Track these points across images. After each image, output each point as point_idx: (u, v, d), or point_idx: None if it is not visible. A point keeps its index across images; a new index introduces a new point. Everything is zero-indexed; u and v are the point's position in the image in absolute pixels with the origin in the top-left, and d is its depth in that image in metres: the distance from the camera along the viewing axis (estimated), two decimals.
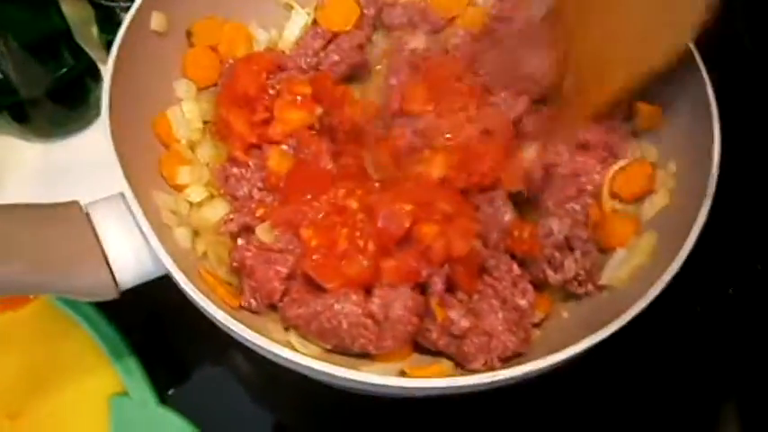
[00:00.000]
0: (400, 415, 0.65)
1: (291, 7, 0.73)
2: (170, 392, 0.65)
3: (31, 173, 0.77)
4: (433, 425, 0.66)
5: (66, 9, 0.75)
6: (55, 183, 0.76)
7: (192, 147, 0.64)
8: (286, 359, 0.49)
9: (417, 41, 0.69)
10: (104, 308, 0.65)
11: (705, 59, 0.61)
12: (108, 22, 0.78)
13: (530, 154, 0.61)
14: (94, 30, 0.80)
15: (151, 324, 0.69)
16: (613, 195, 0.63)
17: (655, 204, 0.61)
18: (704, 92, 0.60)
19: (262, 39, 0.71)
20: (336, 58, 0.69)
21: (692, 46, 0.61)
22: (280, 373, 0.51)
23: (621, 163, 0.63)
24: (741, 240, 0.76)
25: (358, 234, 0.55)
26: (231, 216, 0.59)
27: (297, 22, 0.72)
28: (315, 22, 0.71)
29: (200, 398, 0.66)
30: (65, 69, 0.75)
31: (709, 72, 0.61)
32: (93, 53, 0.79)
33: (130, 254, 0.52)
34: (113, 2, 0.76)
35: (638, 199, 0.62)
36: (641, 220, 0.61)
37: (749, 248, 0.75)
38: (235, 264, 0.57)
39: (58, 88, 0.75)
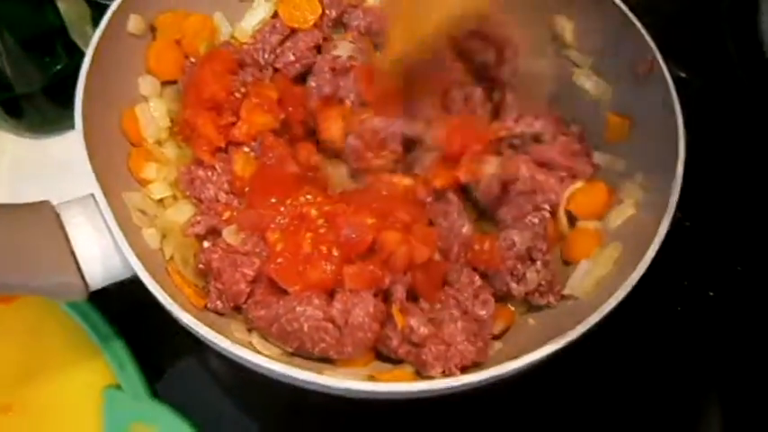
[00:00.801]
0: (382, 414, 0.65)
1: None
2: (156, 386, 0.66)
3: (22, 168, 0.79)
4: (413, 424, 0.66)
5: (62, 6, 0.76)
6: (43, 179, 0.77)
7: (159, 145, 0.65)
8: (247, 360, 0.51)
9: (342, 50, 0.69)
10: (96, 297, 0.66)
11: (685, 63, 0.61)
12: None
13: (489, 168, 0.61)
14: (89, 28, 0.81)
15: (131, 318, 0.70)
16: (572, 214, 0.63)
17: (621, 214, 0.61)
18: (671, 103, 0.59)
19: (225, 30, 0.71)
20: (292, 57, 0.69)
21: (659, 58, 0.61)
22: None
23: (578, 184, 0.64)
24: (722, 243, 0.76)
25: (322, 240, 0.56)
26: (198, 218, 0.60)
27: (257, 14, 0.72)
28: (275, 14, 0.71)
29: (186, 391, 0.67)
30: (59, 66, 0.76)
31: (689, 76, 0.61)
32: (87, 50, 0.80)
33: (99, 255, 0.53)
34: (108, 0, 0.77)
35: (597, 217, 0.63)
36: (607, 231, 0.62)
37: (729, 251, 0.76)
38: (201, 266, 0.58)
39: (53, 84, 0.76)
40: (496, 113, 0.67)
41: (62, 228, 0.53)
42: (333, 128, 0.65)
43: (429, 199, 0.63)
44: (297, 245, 0.56)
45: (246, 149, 0.63)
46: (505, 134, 0.65)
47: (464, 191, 0.64)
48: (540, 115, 0.66)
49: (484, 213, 0.64)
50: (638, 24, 0.64)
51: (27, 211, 0.53)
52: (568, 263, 0.61)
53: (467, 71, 0.68)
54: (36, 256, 0.51)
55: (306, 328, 0.54)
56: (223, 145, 0.63)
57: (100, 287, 0.55)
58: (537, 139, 0.66)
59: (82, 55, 0.78)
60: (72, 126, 0.80)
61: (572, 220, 0.64)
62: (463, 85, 0.68)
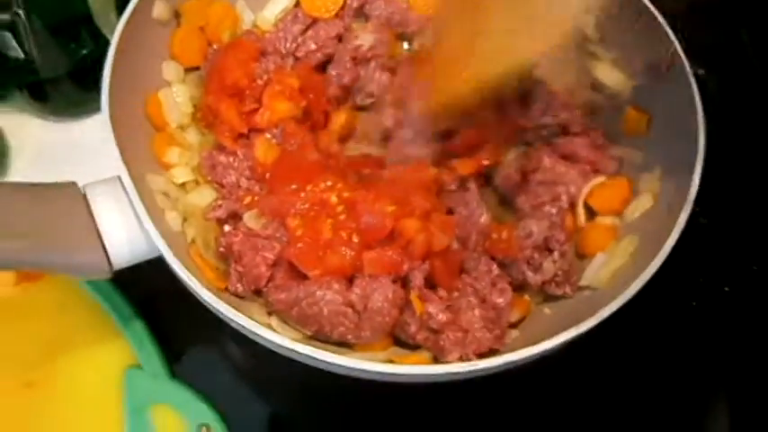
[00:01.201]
0: (396, 401, 0.66)
1: None
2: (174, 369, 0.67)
3: (46, 150, 0.80)
4: (427, 412, 0.67)
5: None
6: (67, 161, 0.78)
7: (182, 130, 0.66)
8: (267, 340, 0.51)
9: (363, 40, 0.69)
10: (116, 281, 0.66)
11: (704, 61, 0.61)
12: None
13: (511, 155, 0.62)
14: (113, 15, 0.82)
15: (150, 303, 0.70)
16: (590, 209, 0.63)
17: (639, 207, 0.62)
18: (692, 97, 0.60)
19: (247, 19, 0.72)
20: (313, 46, 0.70)
21: (681, 54, 0.61)
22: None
23: (600, 179, 0.64)
24: (737, 241, 0.76)
25: (342, 225, 0.56)
26: (219, 203, 0.61)
27: (279, 3, 0.72)
28: (297, 3, 0.72)
29: (204, 375, 0.67)
30: (84, 52, 0.77)
31: (707, 75, 0.61)
32: (111, 37, 0.81)
33: (125, 235, 0.54)
34: None
35: (617, 212, 0.63)
36: (624, 223, 0.62)
37: (745, 249, 0.76)
38: (222, 249, 0.59)
39: (77, 70, 0.78)
40: (524, 104, 0.67)
41: (88, 208, 0.54)
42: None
43: (453, 186, 0.63)
44: (317, 230, 0.56)
45: (268, 136, 0.64)
46: (532, 125, 0.65)
47: (486, 180, 0.65)
48: (567, 107, 0.66)
49: (504, 202, 0.65)
50: (661, 18, 0.64)
51: (55, 190, 0.54)
52: (583, 256, 0.61)
53: None
54: (63, 234, 0.52)
55: (325, 312, 0.55)
56: (245, 131, 0.64)
57: (124, 266, 0.56)
58: (565, 131, 0.66)
59: (106, 41, 0.79)
60: (95, 109, 0.82)
61: (590, 213, 0.64)
62: None
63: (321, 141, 0.66)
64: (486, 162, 0.63)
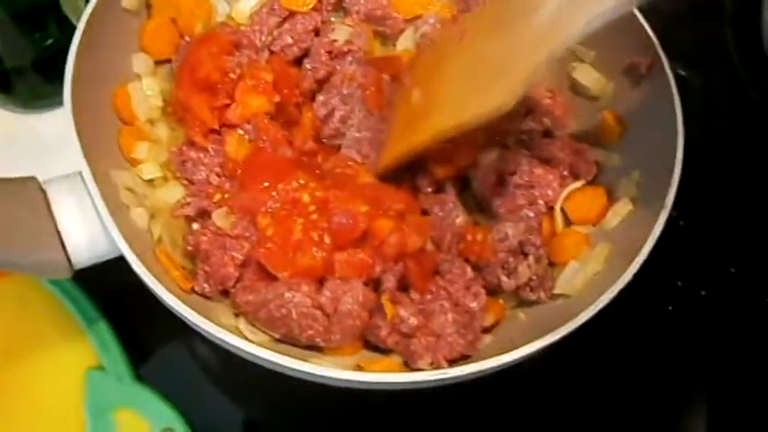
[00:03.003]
0: (370, 404, 0.65)
1: None
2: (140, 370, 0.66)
3: (9, 143, 0.78)
4: (403, 415, 0.66)
5: None
6: (29, 155, 0.76)
7: (151, 124, 0.64)
8: (233, 345, 0.50)
9: (340, 34, 0.68)
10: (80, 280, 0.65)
11: (686, 60, 0.61)
12: None
13: (489, 157, 0.61)
14: (81, 2, 0.80)
15: (116, 301, 0.69)
16: (566, 217, 0.63)
17: (616, 215, 0.61)
18: (671, 100, 0.59)
19: (222, 11, 0.70)
20: (289, 40, 0.68)
21: (662, 55, 0.61)
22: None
23: (578, 184, 0.63)
24: (716, 243, 0.76)
25: (313, 226, 0.55)
26: (188, 200, 0.59)
27: None
28: None
29: (170, 375, 0.66)
30: (50, 41, 0.75)
31: (690, 74, 0.60)
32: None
33: (86, 234, 0.53)
34: None
35: (592, 222, 0.62)
36: (599, 229, 0.61)
37: (723, 251, 0.76)
38: (190, 247, 0.58)
39: (43, 59, 0.75)
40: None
41: (48, 205, 0.52)
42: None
43: (429, 189, 0.62)
44: (288, 230, 0.55)
45: (240, 132, 0.62)
46: (513, 129, 0.64)
47: (463, 183, 0.64)
48: (550, 112, 0.65)
49: (481, 207, 0.64)
50: (642, 20, 0.63)
51: (13, 186, 0.52)
52: (555, 264, 0.61)
53: None
54: (20, 232, 0.51)
55: (294, 315, 0.54)
56: (217, 127, 0.63)
57: (85, 266, 0.54)
58: (546, 134, 0.66)
59: (73, 30, 0.78)
60: (61, 102, 0.80)
61: (566, 221, 0.64)
62: None
63: (296, 138, 0.64)
64: (462, 164, 0.62)
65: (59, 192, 0.53)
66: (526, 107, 0.65)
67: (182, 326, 0.58)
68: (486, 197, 0.63)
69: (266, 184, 0.57)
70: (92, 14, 0.59)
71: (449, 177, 0.62)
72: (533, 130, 0.65)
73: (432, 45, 0.64)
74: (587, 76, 0.68)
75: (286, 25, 0.69)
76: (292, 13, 0.69)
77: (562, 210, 0.63)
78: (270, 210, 0.57)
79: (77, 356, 0.64)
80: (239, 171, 0.60)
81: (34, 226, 0.51)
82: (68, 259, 0.52)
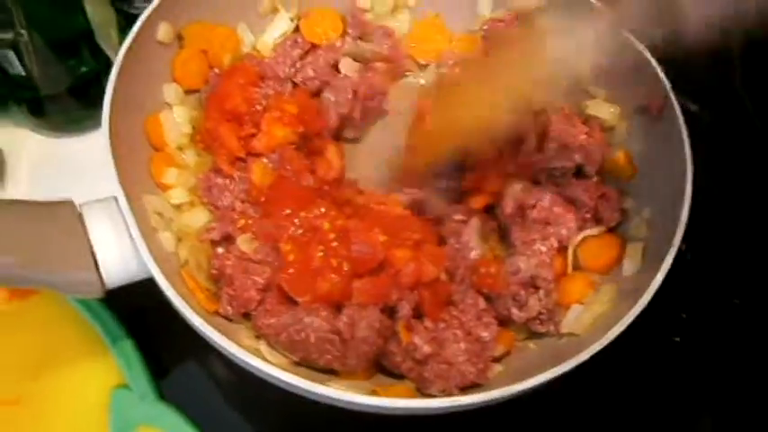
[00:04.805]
0: (383, 426, 0.65)
1: (277, 10, 0.74)
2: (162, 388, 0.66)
3: (43, 166, 0.80)
4: None
5: (90, 10, 0.77)
6: (62, 177, 0.79)
7: (180, 151, 0.66)
8: (253, 366, 0.52)
9: (346, 68, 0.71)
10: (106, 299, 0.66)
11: (697, 100, 0.62)
12: (128, 27, 0.81)
13: (513, 189, 0.63)
14: (114, 32, 0.83)
15: (140, 320, 0.70)
16: (576, 263, 0.64)
17: (632, 259, 0.61)
18: (681, 142, 0.61)
19: (248, 41, 0.73)
20: (311, 73, 0.71)
21: (672, 96, 0.62)
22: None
23: (596, 230, 0.64)
24: (721, 275, 0.76)
25: (333, 253, 0.57)
26: (213, 225, 0.61)
27: (279, 27, 0.73)
28: (297, 29, 0.73)
29: (191, 395, 0.67)
30: (84, 69, 0.78)
31: (703, 113, 0.62)
32: (112, 55, 0.81)
33: (118, 255, 0.55)
34: (134, 8, 0.79)
35: (601, 271, 0.63)
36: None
37: (728, 284, 0.76)
38: (214, 271, 0.60)
39: (77, 86, 0.78)
40: (540, 143, 0.67)
41: (84, 227, 0.54)
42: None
43: (458, 217, 0.64)
44: (309, 256, 0.57)
45: (265, 161, 0.64)
46: (543, 165, 0.66)
47: (489, 211, 0.66)
48: (583, 150, 0.66)
49: (505, 237, 0.65)
50: (654, 63, 0.65)
51: (51, 208, 0.54)
52: (560, 305, 0.62)
53: None
54: (57, 252, 0.53)
55: (312, 339, 0.55)
56: (243, 155, 0.65)
57: (116, 286, 0.56)
58: (581, 174, 0.67)
59: (106, 58, 0.81)
60: (94, 126, 0.83)
61: (576, 265, 0.64)
62: None
63: (319, 168, 0.67)
64: (492, 192, 0.64)
65: (95, 215, 0.55)
66: (559, 142, 0.66)
67: (201, 345, 0.60)
68: (507, 227, 0.64)
69: (289, 211, 0.59)
70: (129, 47, 0.62)
71: (482, 207, 0.64)
72: (565, 167, 0.66)
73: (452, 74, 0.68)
74: (602, 109, 0.69)
75: (309, 58, 0.72)
76: (314, 46, 0.72)
77: (575, 252, 0.63)
78: (291, 236, 0.59)
79: (102, 375, 0.65)
80: (263, 198, 0.62)
81: (71, 247, 0.53)
82: (101, 279, 0.54)
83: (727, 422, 0.71)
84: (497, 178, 0.65)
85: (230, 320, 0.59)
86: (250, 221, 0.61)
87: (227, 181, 0.64)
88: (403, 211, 0.62)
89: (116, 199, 0.55)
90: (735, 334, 0.74)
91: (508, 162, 0.65)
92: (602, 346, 0.52)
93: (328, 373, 0.58)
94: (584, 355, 0.52)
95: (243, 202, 0.63)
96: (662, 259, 0.55)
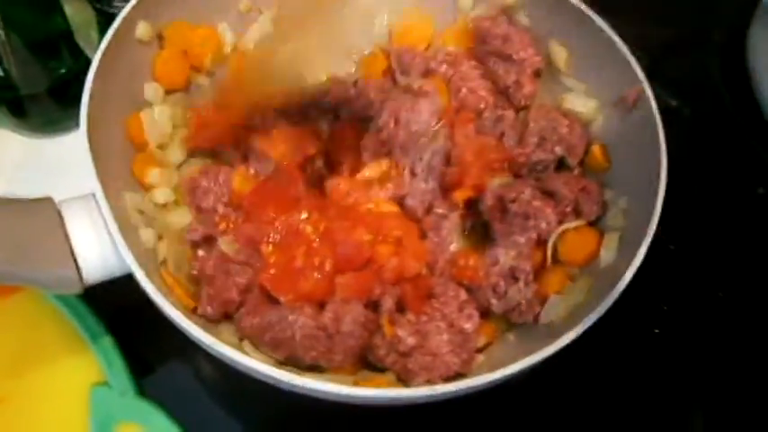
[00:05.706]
0: (369, 422, 0.66)
1: (260, 12, 0.74)
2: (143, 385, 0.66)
3: (24, 165, 0.80)
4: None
5: (69, 11, 0.77)
6: (43, 176, 0.78)
7: (162, 149, 0.66)
8: (235, 361, 0.52)
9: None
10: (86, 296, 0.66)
11: (676, 94, 0.63)
12: (107, 26, 0.81)
13: (494, 182, 0.64)
14: (93, 32, 0.83)
15: (121, 317, 0.70)
16: (556, 256, 0.64)
17: (608, 249, 0.61)
18: (655, 135, 0.61)
19: (229, 42, 0.72)
20: None
21: (647, 88, 0.63)
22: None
23: (575, 224, 0.64)
24: (704, 268, 0.77)
25: (314, 252, 0.57)
26: (196, 226, 0.61)
27: (260, 29, 0.73)
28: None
29: (173, 392, 0.67)
30: (64, 69, 0.78)
31: (682, 107, 0.62)
32: (91, 55, 0.81)
33: (97, 252, 0.55)
34: (113, 7, 0.79)
35: (579, 264, 0.63)
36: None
37: (712, 276, 0.77)
38: (195, 272, 0.60)
39: (57, 86, 0.78)
40: (522, 137, 0.68)
41: (63, 224, 0.54)
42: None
43: (440, 211, 0.64)
44: (291, 257, 0.57)
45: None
46: (524, 159, 0.67)
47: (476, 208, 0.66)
48: (563, 141, 0.66)
49: (487, 231, 0.65)
50: (629, 54, 0.65)
51: (30, 206, 0.55)
52: (538, 296, 0.62)
53: (495, 93, 0.71)
54: (36, 248, 0.53)
55: (298, 337, 0.55)
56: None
57: (96, 282, 0.56)
58: (562, 166, 0.68)
59: (86, 58, 0.81)
60: (75, 126, 0.82)
61: (555, 258, 0.64)
62: (495, 108, 0.70)
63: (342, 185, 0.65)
64: (472, 184, 0.64)
65: (74, 212, 0.55)
66: (540, 135, 0.67)
67: (184, 343, 0.60)
68: (489, 221, 0.64)
69: (271, 215, 0.59)
70: (108, 45, 0.62)
71: (465, 200, 0.64)
72: (547, 160, 0.67)
73: None
74: (578, 101, 0.70)
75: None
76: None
77: (554, 246, 0.63)
78: (273, 239, 0.59)
79: (82, 372, 0.65)
80: (244, 202, 0.62)
81: (50, 243, 0.53)
82: (80, 275, 0.54)
83: (707, 415, 0.71)
84: (478, 173, 0.65)
85: (211, 322, 0.59)
86: (231, 224, 0.61)
87: (212, 183, 0.64)
88: (388, 209, 0.62)
89: (94, 195, 0.55)
90: (717, 326, 0.74)
91: (490, 155, 0.66)
92: (577, 335, 0.53)
93: (314, 370, 0.58)
94: (559, 343, 0.52)
95: (225, 205, 0.63)
96: (638, 248, 0.56)
